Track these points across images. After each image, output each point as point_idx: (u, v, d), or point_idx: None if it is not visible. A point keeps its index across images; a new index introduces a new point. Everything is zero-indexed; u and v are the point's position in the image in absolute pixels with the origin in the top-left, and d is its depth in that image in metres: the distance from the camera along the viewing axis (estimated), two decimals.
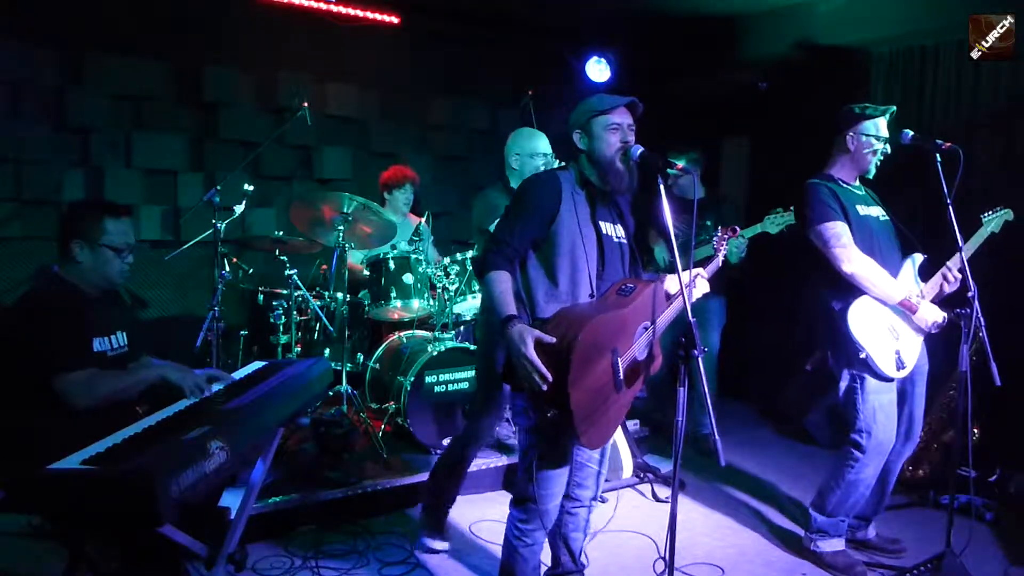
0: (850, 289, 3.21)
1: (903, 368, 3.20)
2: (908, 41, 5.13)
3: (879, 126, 3.28)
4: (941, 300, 3.27)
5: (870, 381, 3.21)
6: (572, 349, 2.31)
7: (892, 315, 3.24)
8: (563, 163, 3.42)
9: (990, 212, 3.37)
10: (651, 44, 6.03)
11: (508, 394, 2.80)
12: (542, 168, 3.46)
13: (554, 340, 2.33)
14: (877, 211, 3.38)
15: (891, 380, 3.21)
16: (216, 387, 2.67)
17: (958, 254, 3.14)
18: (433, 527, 3.40)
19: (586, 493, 2.80)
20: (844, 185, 3.33)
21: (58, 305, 2.48)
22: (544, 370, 2.31)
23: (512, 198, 2.69)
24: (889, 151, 3.31)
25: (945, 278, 3.24)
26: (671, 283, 2.74)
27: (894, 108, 3.34)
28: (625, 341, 2.54)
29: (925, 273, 3.34)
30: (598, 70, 5.98)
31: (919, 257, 3.33)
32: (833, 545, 3.38)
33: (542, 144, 3.55)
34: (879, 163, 3.32)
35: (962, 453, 3.21)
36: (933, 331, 3.23)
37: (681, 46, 5.98)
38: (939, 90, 5.03)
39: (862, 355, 3.16)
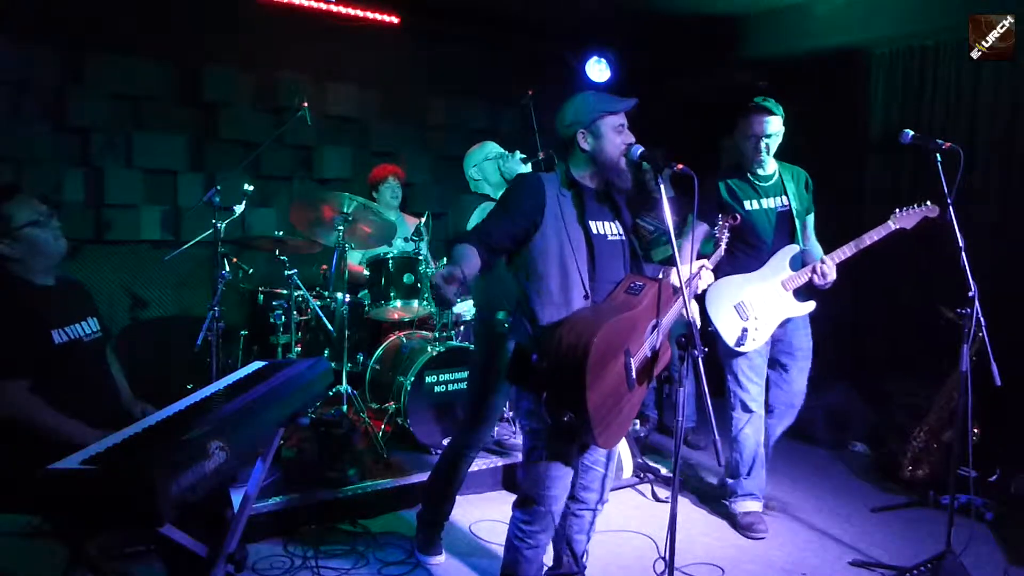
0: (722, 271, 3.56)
1: (742, 344, 3.59)
2: (908, 41, 5.13)
3: (752, 122, 3.53)
4: (810, 290, 3.63)
5: (728, 350, 3.65)
6: (587, 355, 2.31)
7: (749, 297, 3.61)
8: (520, 154, 3.44)
9: (901, 210, 3.52)
10: (651, 44, 6.03)
11: (513, 395, 2.79)
12: (499, 166, 3.49)
13: (462, 275, 2.28)
14: (774, 202, 3.64)
15: (735, 354, 3.64)
16: (210, 389, 2.67)
17: (843, 248, 3.52)
18: (427, 543, 3.36)
19: (592, 496, 2.80)
20: (748, 178, 3.64)
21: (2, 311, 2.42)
22: (443, 284, 2.24)
23: (500, 197, 2.68)
24: (766, 145, 3.54)
25: (815, 271, 3.55)
26: (676, 276, 2.73)
27: (772, 107, 3.50)
28: (637, 340, 2.54)
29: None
30: (598, 70, 5.98)
31: (795, 248, 3.63)
32: (746, 506, 3.77)
33: (489, 147, 3.60)
34: (762, 155, 3.56)
35: (962, 453, 3.21)
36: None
37: (681, 46, 5.98)
38: (939, 90, 5.03)
39: (710, 328, 3.60)
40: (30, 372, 2.39)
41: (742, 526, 3.73)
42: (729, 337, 3.61)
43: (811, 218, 3.79)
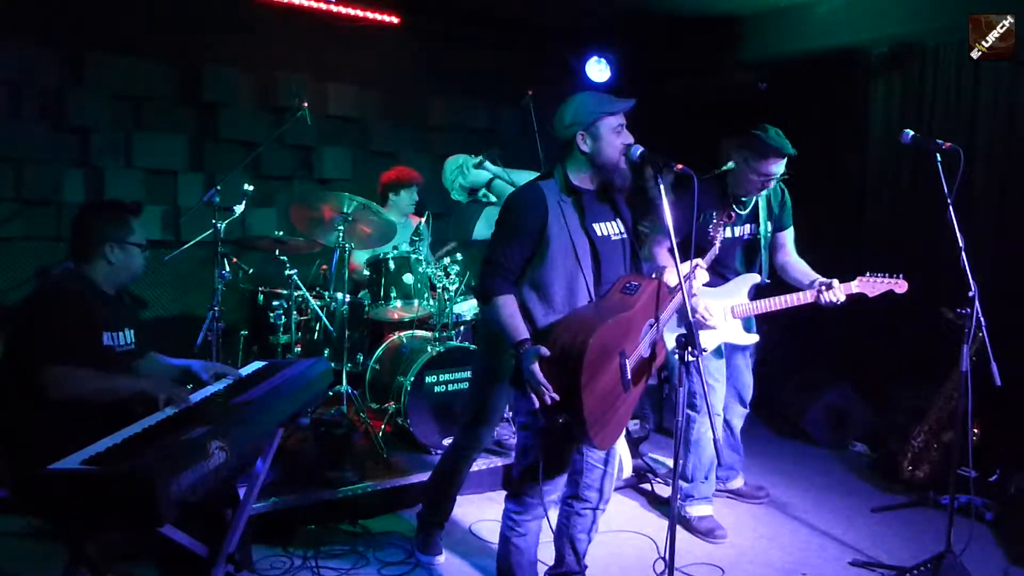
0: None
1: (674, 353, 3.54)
2: (908, 41, 5.13)
3: (770, 163, 3.42)
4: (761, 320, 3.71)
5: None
6: (582, 356, 2.31)
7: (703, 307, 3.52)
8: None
9: (870, 275, 3.45)
10: (651, 44, 6.03)
11: (513, 396, 2.79)
12: (473, 168, 3.52)
13: (548, 353, 2.35)
14: (743, 230, 3.63)
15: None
16: (210, 389, 2.67)
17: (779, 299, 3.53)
18: (427, 543, 3.35)
19: (594, 495, 2.80)
20: (729, 203, 3.54)
21: (70, 299, 2.49)
22: (545, 383, 2.33)
23: (499, 218, 2.66)
24: (772, 186, 3.53)
25: (819, 292, 3.43)
26: (671, 276, 2.73)
27: (793, 152, 3.43)
28: (632, 341, 2.54)
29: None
30: (598, 70, 5.98)
31: (756, 277, 3.63)
32: (699, 510, 3.74)
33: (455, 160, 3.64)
34: (761, 191, 3.55)
35: (962, 453, 3.21)
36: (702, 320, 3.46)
37: (681, 46, 5.98)
38: (939, 90, 5.03)
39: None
40: (81, 360, 2.42)
41: (701, 531, 3.68)
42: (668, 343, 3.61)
43: (790, 233, 3.77)
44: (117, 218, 2.61)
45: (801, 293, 3.51)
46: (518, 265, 2.54)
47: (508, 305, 2.50)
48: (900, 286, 3.44)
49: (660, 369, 3.02)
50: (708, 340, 3.60)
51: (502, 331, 2.49)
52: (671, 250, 2.44)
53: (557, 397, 2.33)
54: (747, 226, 3.65)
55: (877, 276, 3.44)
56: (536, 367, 2.34)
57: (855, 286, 3.44)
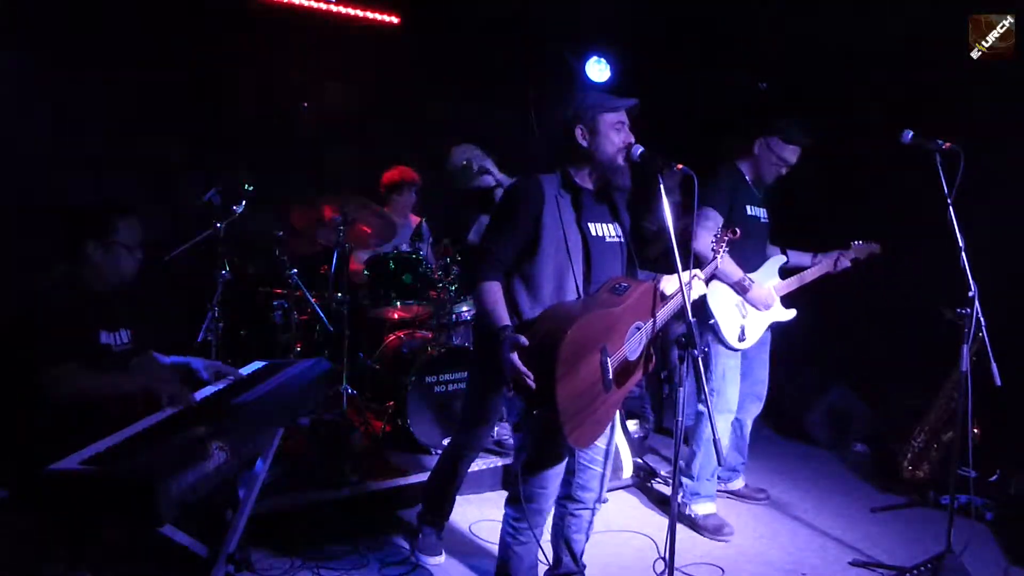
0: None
1: (743, 340, 3.70)
2: (908, 41, 5.13)
3: (790, 152, 3.68)
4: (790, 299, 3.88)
5: (720, 347, 3.68)
6: (558, 347, 2.29)
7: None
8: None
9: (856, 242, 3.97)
10: (651, 44, 6.03)
11: (507, 396, 2.79)
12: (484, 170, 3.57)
13: (527, 343, 2.34)
14: (761, 212, 3.83)
15: (733, 349, 3.69)
16: (210, 389, 2.68)
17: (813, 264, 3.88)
18: (427, 543, 3.35)
19: (590, 495, 2.79)
20: (751, 185, 3.80)
21: (62, 298, 2.49)
22: (524, 370, 2.31)
23: (496, 207, 2.67)
24: (784, 173, 3.76)
25: (801, 279, 3.86)
26: (668, 283, 2.72)
27: (808, 143, 3.68)
28: (615, 340, 2.52)
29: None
30: (598, 70, 5.98)
31: (782, 258, 3.90)
32: (705, 508, 3.75)
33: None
34: (773, 178, 3.79)
35: (962, 453, 3.21)
36: (762, 309, 3.74)
37: (681, 46, 5.98)
38: (939, 90, 5.02)
39: (711, 321, 3.65)
40: (79, 359, 2.43)
41: (709, 529, 3.69)
42: (730, 333, 3.66)
43: None
44: (98, 217, 2.58)
45: (821, 264, 3.87)
46: (509, 255, 2.54)
47: (493, 291, 2.50)
48: (873, 246, 3.94)
49: (658, 371, 3.02)
50: (762, 322, 3.78)
51: (485, 317, 2.49)
52: (673, 253, 2.39)
53: (532, 379, 2.32)
54: (764, 209, 3.85)
55: (859, 242, 3.94)
56: (514, 354, 2.34)
57: (851, 253, 3.93)
